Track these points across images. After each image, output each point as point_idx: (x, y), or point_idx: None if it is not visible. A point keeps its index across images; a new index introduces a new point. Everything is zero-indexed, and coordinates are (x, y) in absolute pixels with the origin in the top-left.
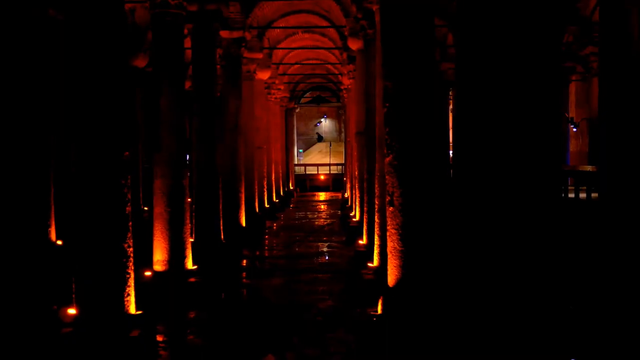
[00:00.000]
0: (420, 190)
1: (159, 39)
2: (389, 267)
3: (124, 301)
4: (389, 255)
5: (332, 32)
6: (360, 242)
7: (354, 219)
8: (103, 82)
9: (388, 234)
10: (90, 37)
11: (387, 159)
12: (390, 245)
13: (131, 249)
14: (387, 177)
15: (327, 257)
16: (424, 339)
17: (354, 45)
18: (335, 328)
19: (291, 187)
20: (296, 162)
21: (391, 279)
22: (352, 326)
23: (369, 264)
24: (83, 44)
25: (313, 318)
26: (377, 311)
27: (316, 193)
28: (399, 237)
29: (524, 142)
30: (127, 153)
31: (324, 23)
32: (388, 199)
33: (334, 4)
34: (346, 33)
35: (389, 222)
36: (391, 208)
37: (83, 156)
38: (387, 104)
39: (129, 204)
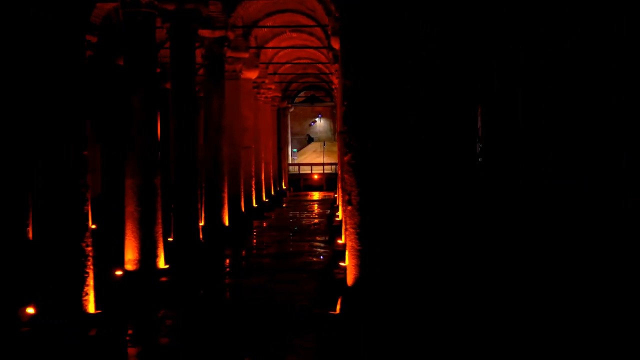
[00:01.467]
0: (378, 190)
1: (130, 38)
2: (347, 267)
3: (82, 300)
4: (348, 255)
5: (319, 31)
6: (339, 241)
7: (337, 218)
8: (56, 79)
9: (347, 233)
10: (51, 34)
11: (346, 158)
12: (349, 244)
13: (90, 248)
14: (345, 176)
15: (307, 257)
16: (380, 338)
17: (336, 44)
18: (301, 327)
19: (284, 187)
20: (290, 162)
21: (350, 278)
22: (314, 326)
23: (341, 263)
24: (43, 43)
25: (284, 317)
26: (336, 311)
27: (309, 192)
28: (356, 236)
29: None
30: (86, 152)
31: (310, 22)
32: (347, 198)
33: (317, 3)
34: (329, 32)
35: (347, 222)
36: (349, 207)
37: (41, 154)
38: (346, 103)
39: (87, 203)
